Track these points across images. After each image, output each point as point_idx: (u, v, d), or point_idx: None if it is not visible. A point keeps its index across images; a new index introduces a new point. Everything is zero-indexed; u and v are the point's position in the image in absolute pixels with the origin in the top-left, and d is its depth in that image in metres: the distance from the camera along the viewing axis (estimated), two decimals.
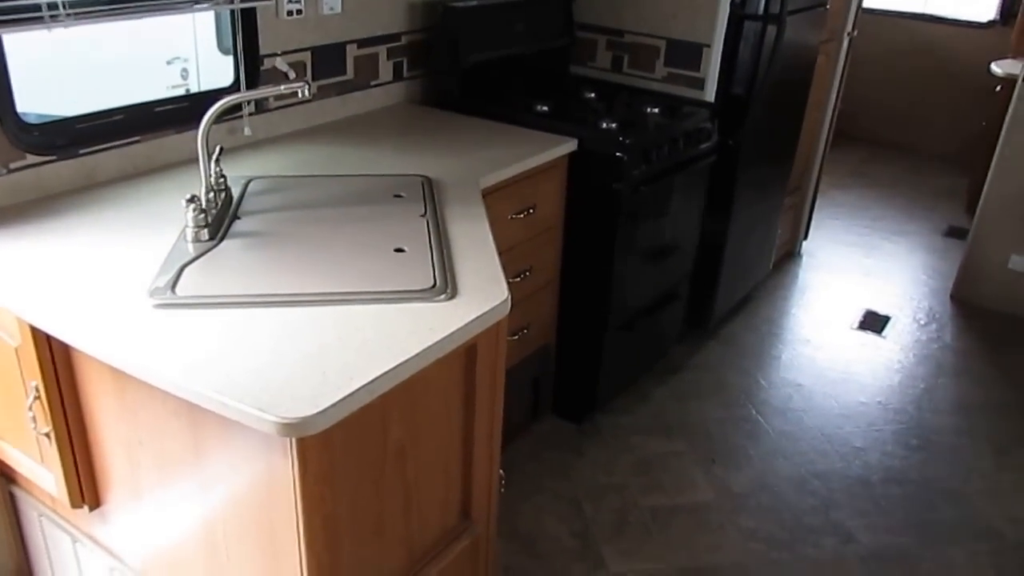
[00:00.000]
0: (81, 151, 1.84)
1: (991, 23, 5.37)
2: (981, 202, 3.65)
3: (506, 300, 1.41)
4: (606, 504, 2.44)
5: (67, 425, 1.49)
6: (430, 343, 1.26)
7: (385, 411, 1.30)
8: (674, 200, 2.71)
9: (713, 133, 2.80)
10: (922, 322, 3.59)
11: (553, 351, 2.68)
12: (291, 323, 1.31)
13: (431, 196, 1.86)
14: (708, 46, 2.80)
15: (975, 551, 2.34)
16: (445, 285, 1.43)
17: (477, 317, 1.35)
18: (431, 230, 1.67)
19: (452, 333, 1.30)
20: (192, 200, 1.56)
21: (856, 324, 3.54)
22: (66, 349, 1.41)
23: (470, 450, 1.55)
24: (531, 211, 2.29)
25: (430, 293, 1.41)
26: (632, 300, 2.68)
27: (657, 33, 2.89)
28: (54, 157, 1.79)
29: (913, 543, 2.36)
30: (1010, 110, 3.46)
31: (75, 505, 1.57)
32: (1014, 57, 4.52)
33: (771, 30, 2.84)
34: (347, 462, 1.26)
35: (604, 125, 2.46)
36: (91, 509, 1.60)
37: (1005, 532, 2.41)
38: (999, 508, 2.51)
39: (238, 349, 1.24)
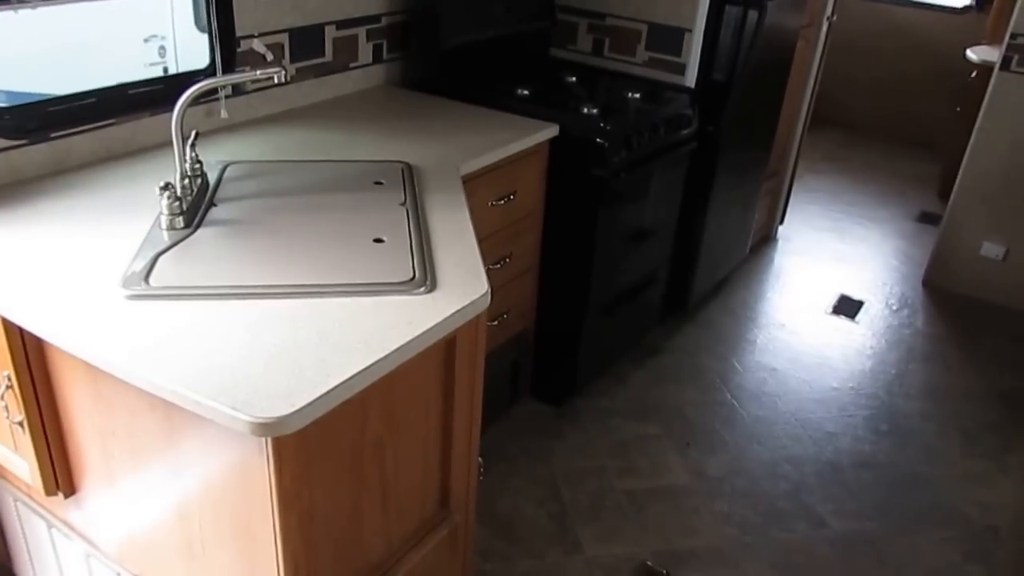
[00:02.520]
0: (53, 135, 1.80)
1: (966, 8, 5.39)
2: (955, 189, 3.68)
3: (486, 294, 1.40)
4: (583, 487, 2.46)
5: (40, 414, 1.47)
6: (409, 338, 1.26)
7: (363, 406, 1.30)
8: (654, 186, 2.71)
9: (693, 119, 2.80)
10: (894, 307, 3.64)
11: (532, 335, 2.68)
12: (267, 316, 1.30)
13: (411, 183, 1.85)
14: (690, 31, 2.80)
15: (943, 536, 2.39)
16: (424, 278, 1.42)
17: (457, 311, 1.34)
18: (411, 219, 1.65)
19: (431, 328, 1.29)
20: (166, 187, 1.53)
21: (830, 309, 3.58)
22: (39, 338, 1.39)
23: (449, 441, 1.55)
24: (512, 197, 2.28)
25: (409, 286, 1.40)
26: (611, 284, 2.69)
27: (639, 17, 2.88)
28: (25, 141, 1.75)
29: (882, 527, 2.40)
30: (986, 97, 3.48)
31: (49, 492, 1.56)
32: (989, 43, 4.54)
33: (752, 15, 2.83)
34: (324, 458, 1.26)
35: (585, 111, 2.45)
36: (66, 496, 1.59)
37: (972, 517, 2.47)
38: (966, 493, 2.56)
39: (212, 343, 1.22)
